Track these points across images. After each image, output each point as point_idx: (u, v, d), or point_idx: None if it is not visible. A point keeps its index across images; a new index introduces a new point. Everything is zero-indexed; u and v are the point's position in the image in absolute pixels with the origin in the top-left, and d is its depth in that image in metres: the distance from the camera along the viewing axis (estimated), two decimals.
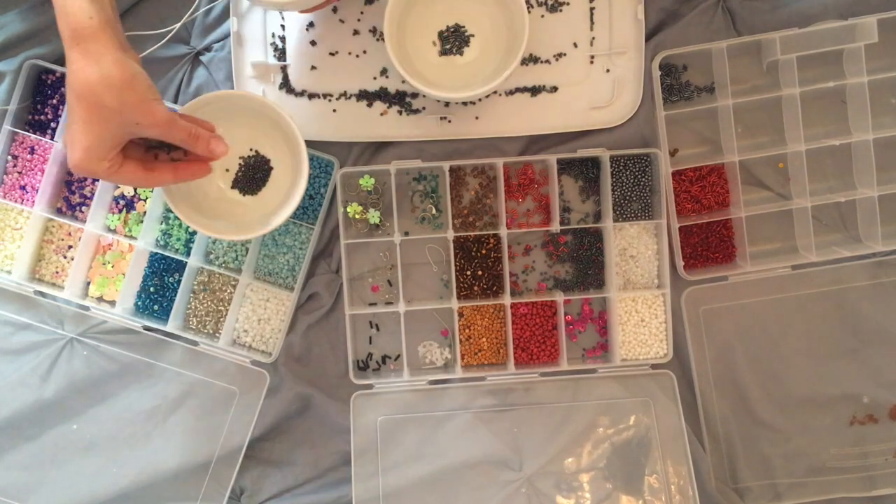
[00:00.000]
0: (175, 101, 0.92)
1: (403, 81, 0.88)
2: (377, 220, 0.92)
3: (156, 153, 0.74)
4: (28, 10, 0.90)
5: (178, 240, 0.92)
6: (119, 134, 0.66)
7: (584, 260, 0.95)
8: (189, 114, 0.80)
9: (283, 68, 0.92)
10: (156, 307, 0.93)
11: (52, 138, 0.90)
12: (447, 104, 0.92)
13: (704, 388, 0.94)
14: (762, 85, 0.94)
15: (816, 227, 0.93)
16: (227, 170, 0.88)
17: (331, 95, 0.92)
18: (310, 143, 0.87)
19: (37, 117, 0.92)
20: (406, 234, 0.93)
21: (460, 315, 0.93)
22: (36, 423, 0.91)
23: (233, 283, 0.92)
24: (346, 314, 0.91)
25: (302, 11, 0.87)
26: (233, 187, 0.88)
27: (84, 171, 0.67)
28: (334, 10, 0.91)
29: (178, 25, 0.91)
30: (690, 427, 0.93)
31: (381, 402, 0.93)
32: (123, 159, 0.69)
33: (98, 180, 0.90)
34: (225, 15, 0.91)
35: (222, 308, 0.93)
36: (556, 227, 0.92)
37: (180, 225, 0.92)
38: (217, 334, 0.92)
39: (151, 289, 0.93)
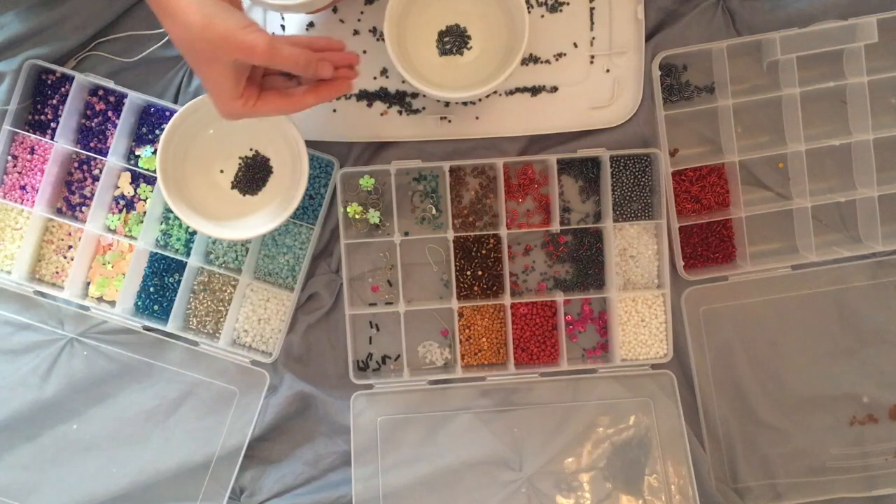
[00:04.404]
0: (175, 102, 0.92)
1: (403, 81, 0.88)
2: (377, 220, 0.92)
3: (298, 80, 0.73)
4: (28, 10, 0.90)
5: (178, 240, 0.92)
6: (230, 70, 0.66)
7: (584, 260, 0.95)
8: (189, 114, 0.80)
9: None
10: (156, 307, 0.93)
11: (52, 138, 0.90)
12: (447, 104, 0.92)
13: (704, 388, 0.94)
14: (762, 85, 0.94)
15: (816, 227, 0.93)
16: (222, 171, 0.88)
17: None
18: (310, 143, 0.87)
19: (37, 117, 0.92)
20: (406, 234, 0.93)
21: (460, 315, 0.93)
22: (36, 423, 0.91)
23: (233, 283, 0.92)
24: (346, 314, 0.91)
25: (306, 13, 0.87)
26: (233, 187, 0.88)
27: (228, 114, 0.69)
28: (334, 10, 0.91)
29: None
30: (690, 427, 0.93)
31: (381, 402, 0.93)
32: (260, 91, 0.70)
33: (97, 180, 0.90)
34: None
35: (222, 308, 0.93)
36: (556, 227, 0.92)
37: (180, 225, 0.92)
38: (217, 334, 0.92)
39: (151, 289, 0.93)
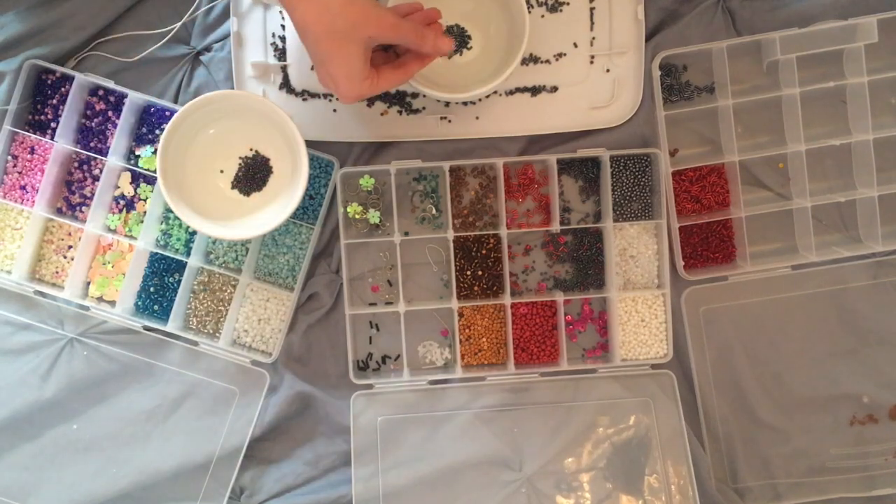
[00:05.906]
0: (175, 101, 0.92)
1: None
2: (377, 220, 0.92)
3: (395, 51, 0.77)
4: (28, 10, 0.90)
5: (178, 240, 0.92)
6: (362, 51, 0.69)
7: (584, 260, 0.95)
8: (189, 114, 0.80)
9: (283, 68, 0.92)
10: (156, 307, 0.93)
11: (52, 138, 0.90)
12: (447, 104, 0.92)
13: (704, 388, 0.94)
14: (762, 85, 0.94)
15: (816, 227, 0.93)
16: (222, 171, 0.88)
17: (331, 95, 0.92)
18: (310, 143, 0.87)
19: (37, 117, 0.92)
20: (406, 234, 0.93)
21: (460, 315, 0.93)
22: (36, 423, 0.91)
23: (233, 283, 0.92)
24: (346, 314, 0.91)
25: None
26: (233, 187, 0.88)
27: (354, 97, 0.72)
28: None
29: (178, 25, 0.91)
30: (690, 427, 0.93)
31: (381, 402, 0.93)
32: (378, 70, 0.73)
33: (97, 180, 0.90)
34: (225, 15, 0.92)
35: (222, 308, 0.93)
36: (556, 227, 0.92)
37: (180, 225, 0.92)
38: (217, 334, 0.92)
39: (151, 289, 0.93)
